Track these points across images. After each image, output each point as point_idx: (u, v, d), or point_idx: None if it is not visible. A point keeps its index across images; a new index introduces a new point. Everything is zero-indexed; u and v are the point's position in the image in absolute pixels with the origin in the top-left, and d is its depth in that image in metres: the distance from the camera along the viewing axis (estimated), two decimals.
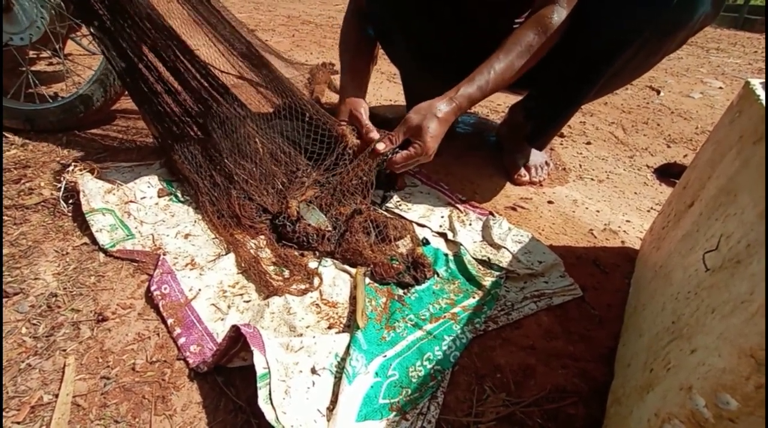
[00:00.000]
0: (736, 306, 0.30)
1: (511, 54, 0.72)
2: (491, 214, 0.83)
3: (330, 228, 0.72)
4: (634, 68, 0.80)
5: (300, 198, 0.75)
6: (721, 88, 1.88)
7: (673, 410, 0.32)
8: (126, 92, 1.00)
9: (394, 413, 0.48)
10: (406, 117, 0.73)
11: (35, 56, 1.48)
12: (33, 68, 1.24)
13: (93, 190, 0.81)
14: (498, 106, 1.48)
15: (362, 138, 0.79)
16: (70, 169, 0.86)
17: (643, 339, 0.49)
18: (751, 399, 0.26)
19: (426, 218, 0.82)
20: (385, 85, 1.70)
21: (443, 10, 0.87)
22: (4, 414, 0.47)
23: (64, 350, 0.55)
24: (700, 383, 0.30)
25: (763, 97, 0.48)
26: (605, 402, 0.50)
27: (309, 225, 0.71)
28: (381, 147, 0.73)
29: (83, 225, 0.76)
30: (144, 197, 0.84)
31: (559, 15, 0.71)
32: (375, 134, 0.77)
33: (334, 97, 1.37)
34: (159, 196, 0.85)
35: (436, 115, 0.71)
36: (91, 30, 0.84)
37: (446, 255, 0.73)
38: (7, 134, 1.05)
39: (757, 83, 0.52)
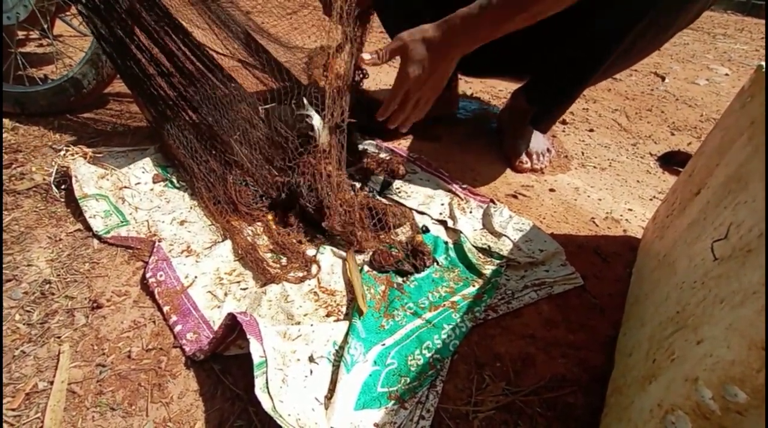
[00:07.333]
0: (747, 297, 0.29)
1: None
2: (492, 201, 0.82)
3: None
4: (643, 46, 0.77)
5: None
6: (727, 74, 1.84)
7: (677, 401, 0.32)
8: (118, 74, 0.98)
9: (392, 401, 0.47)
10: (396, 36, 0.69)
11: (24, 37, 1.43)
12: (22, 50, 1.20)
13: (86, 175, 0.79)
14: (499, 92, 1.45)
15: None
16: (62, 153, 0.84)
17: (645, 328, 0.48)
18: (761, 392, 0.25)
19: (426, 205, 0.80)
20: (385, 69, 1.66)
21: None
22: None
23: (59, 337, 0.54)
24: (707, 374, 0.29)
25: None
26: (605, 391, 0.50)
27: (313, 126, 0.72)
28: (367, 57, 0.71)
29: (76, 211, 0.74)
30: (138, 183, 0.82)
31: None
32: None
33: None
34: (154, 182, 0.83)
35: (424, 35, 0.65)
36: (80, 8, 0.80)
37: (446, 243, 0.72)
38: None
39: None
